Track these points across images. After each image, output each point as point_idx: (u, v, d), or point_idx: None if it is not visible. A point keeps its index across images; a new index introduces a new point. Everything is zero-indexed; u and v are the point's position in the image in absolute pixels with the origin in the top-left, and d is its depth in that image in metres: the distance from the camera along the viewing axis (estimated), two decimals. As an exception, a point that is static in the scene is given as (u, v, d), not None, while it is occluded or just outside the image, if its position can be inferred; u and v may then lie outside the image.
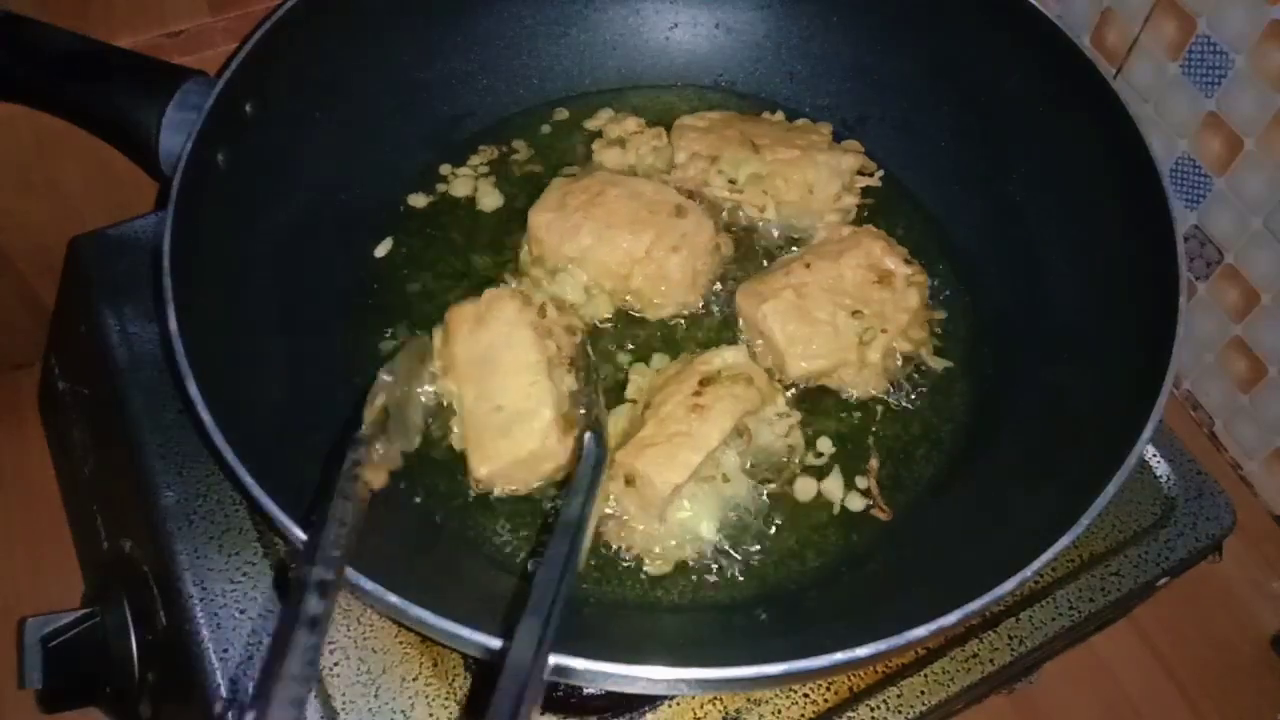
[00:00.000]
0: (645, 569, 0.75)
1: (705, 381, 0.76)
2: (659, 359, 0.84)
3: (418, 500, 0.78)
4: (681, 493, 0.74)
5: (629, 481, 0.74)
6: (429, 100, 0.96)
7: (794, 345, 0.81)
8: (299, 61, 0.83)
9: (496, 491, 0.77)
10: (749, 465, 0.78)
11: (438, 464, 0.79)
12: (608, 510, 0.76)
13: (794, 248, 0.91)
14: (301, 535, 0.59)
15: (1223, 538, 0.85)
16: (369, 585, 0.57)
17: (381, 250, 0.90)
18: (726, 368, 0.78)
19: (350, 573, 0.58)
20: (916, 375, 0.85)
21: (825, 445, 0.81)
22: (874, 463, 0.81)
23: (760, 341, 0.84)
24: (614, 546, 0.76)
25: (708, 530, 0.75)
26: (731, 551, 0.76)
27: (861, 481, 0.80)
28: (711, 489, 0.75)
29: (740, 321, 0.86)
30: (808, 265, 0.84)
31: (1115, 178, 0.79)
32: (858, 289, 0.83)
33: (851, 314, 0.82)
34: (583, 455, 0.68)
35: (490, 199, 0.94)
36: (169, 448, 0.81)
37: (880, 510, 0.79)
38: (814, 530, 0.78)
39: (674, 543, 0.75)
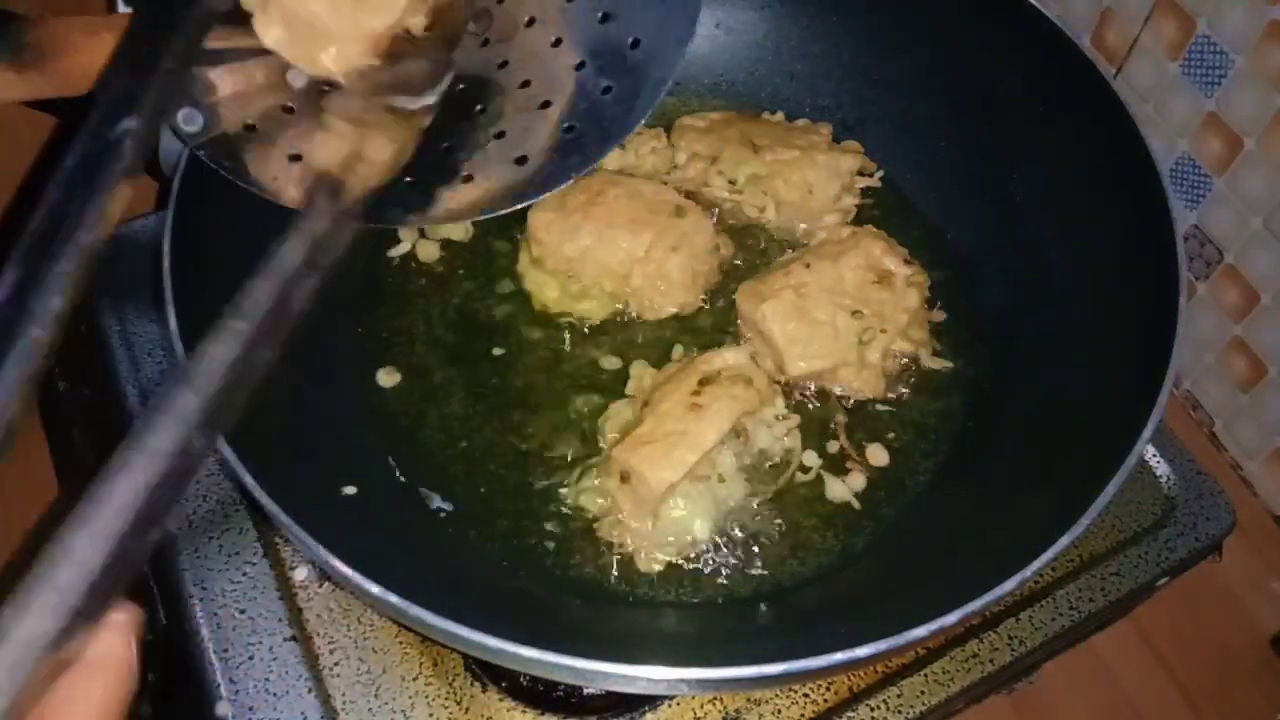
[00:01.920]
0: (638, 567, 0.75)
1: (704, 381, 0.76)
2: (659, 359, 0.84)
3: (418, 498, 0.78)
4: (676, 491, 0.74)
5: (624, 479, 0.74)
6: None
7: (793, 345, 0.81)
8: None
9: (321, 65, 0.63)
10: (746, 466, 0.78)
11: (428, 451, 0.79)
12: (602, 506, 0.76)
13: (794, 248, 0.91)
14: (302, 535, 0.59)
15: (1223, 538, 0.85)
16: (369, 586, 0.57)
17: (397, 251, 0.90)
18: (727, 368, 0.78)
19: (352, 572, 0.58)
20: (916, 376, 0.85)
21: (824, 446, 0.82)
22: (841, 418, 0.82)
23: (760, 341, 0.84)
24: (608, 544, 0.76)
25: (701, 530, 0.75)
26: (728, 551, 0.76)
27: (857, 481, 0.80)
28: (706, 489, 0.75)
29: (740, 321, 0.86)
30: (807, 265, 0.84)
31: (1115, 178, 0.79)
32: (857, 289, 0.83)
33: (851, 314, 0.82)
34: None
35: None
36: (169, 448, 0.81)
37: (857, 466, 0.80)
38: (812, 530, 0.78)
39: (668, 541, 0.75)
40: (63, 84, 0.61)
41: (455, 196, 0.72)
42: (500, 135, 0.72)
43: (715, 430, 0.74)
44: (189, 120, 0.65)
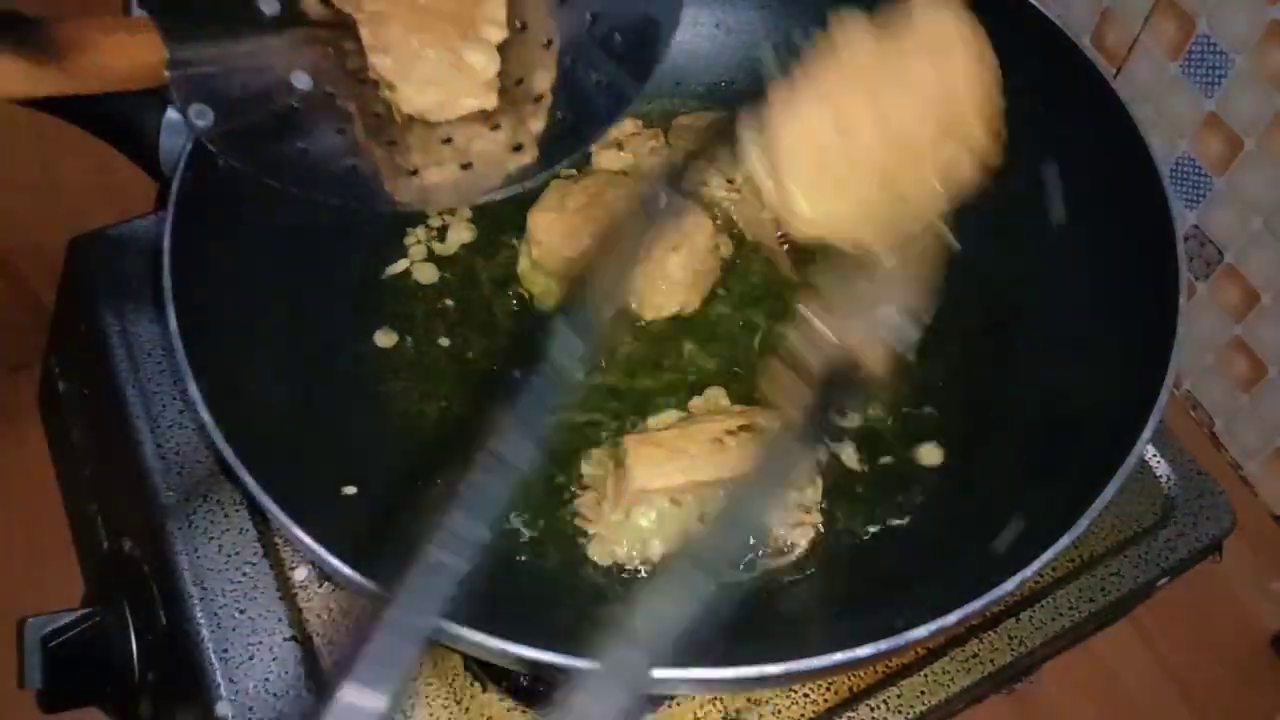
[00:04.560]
0: (589, 553, 0.75)
1: (747, 429, 0.74)
2: (659, 359, 0.84)
3: (418, 499, 0.78)
4: (652, 503, 0.73)
5: (618, 463, 0.73)
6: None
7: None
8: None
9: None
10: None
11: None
12: (597, 480, 0.76)
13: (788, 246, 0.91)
14: (302, 535, 0.59)
15: (1223, 538, 0.85)
16: (370, 586, 0.57)
17: (394, 269, 0.90)
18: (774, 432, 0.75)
19: (352, 573, 0.58)
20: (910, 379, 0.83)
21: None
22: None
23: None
24: (579, 528, 0.76)
25: (655, 552, 0.74)
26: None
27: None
28: (681, 521, 0.73)
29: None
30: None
31: (1115, 178, 0.79)
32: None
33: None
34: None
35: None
36: (169, 448, 0.81)
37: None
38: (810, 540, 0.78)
39: (622, 542, 0.74)
40: (81, 82, 0.64)
41: (456, 182, 0.75)
42: (496, 128, 0.74)
43: (718, 469, 0.72)
44: (200, 115, 0.68)
